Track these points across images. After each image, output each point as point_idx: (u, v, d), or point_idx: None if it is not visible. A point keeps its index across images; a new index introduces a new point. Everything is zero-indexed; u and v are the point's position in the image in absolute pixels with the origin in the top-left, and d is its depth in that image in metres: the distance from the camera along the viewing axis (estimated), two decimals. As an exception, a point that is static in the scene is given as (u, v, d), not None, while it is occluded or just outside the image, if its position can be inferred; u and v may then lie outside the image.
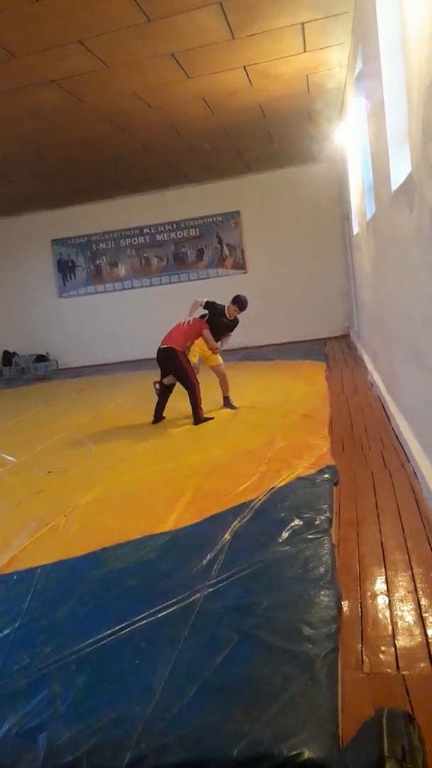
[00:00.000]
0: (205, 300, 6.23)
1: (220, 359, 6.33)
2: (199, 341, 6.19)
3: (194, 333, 6.10)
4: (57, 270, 13.53)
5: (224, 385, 6.36)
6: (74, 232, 13.29)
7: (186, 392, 5.92)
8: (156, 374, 6.35)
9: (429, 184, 2.60)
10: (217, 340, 6.20)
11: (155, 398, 6.18)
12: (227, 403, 6.33)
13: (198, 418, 5.81)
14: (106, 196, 12.57)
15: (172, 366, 5.95)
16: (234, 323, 6.27)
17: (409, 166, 3.15)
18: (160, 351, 6.01)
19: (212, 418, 5.86)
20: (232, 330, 6.32)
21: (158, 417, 6.11)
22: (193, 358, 6.14)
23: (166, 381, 6.14)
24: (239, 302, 6.10)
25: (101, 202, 12.91)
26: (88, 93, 6.67)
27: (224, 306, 6.20)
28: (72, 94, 6.65)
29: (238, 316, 6.24)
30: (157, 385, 6.20)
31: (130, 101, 7.09)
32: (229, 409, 6.21)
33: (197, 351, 6.21)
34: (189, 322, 6.09)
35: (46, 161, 9.26)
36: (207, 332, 6.11)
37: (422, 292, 3.02)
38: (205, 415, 5.87)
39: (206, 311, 6.23)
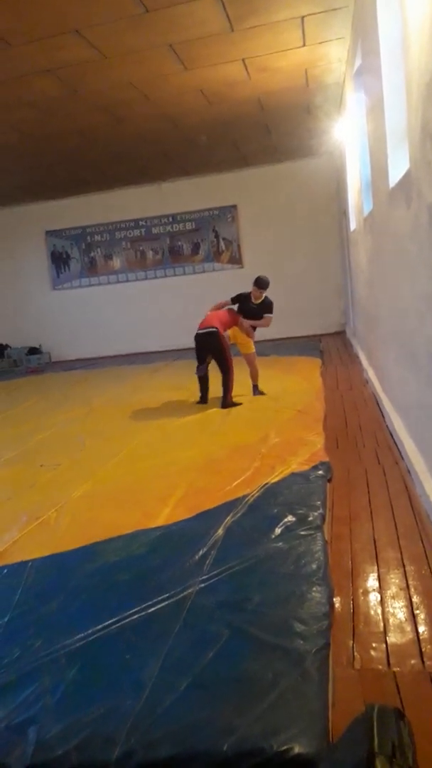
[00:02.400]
0: (230, 298, 6.54)
1: (252, 347, 6.56)
2: (234, 329, 6.45)
3: (230, 322, 6.31)
4: (51, 262, 13.44)
5: (254, 374, 6.58)
6: (69, 224, 13.20)
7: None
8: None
9: (427, 181, 2.59)
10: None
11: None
12: (255, 390, 6.53)
13: (226, 401, 5.99)
14: (102, 187, 12.49)
15: (214, 346, 6.06)
16: (263, 305, 6.44)
17: (407, 163, 3.14)
18: (201, 334, 6.13)
19: (240, 404, 5.99)
20: (264, 312, 6.44)
21: (204, 397, 6.28)
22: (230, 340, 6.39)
23: (207, 360, 6.26)
24: (258, 282, 6.39)
25: (96, 193, 12.82)
26: (85, 83, 6.62)
27: (249, 292, 6.46)
28: (68, 84, 6.59)
29: (267, 296, 6.44)
30: (199, 371, 6.33)
31: (127, 92, 7.04)
32: (258, 395, 6.43)
33: (232, 337, 6.47)
34: (222, 309, 6.33)
35: (41, 152, 9.18)
36: (243, 320, 6.37)
37: (418, 290, 3.02)
38: (234, 400, 6.04)
39: (234, 305, 6.50)
